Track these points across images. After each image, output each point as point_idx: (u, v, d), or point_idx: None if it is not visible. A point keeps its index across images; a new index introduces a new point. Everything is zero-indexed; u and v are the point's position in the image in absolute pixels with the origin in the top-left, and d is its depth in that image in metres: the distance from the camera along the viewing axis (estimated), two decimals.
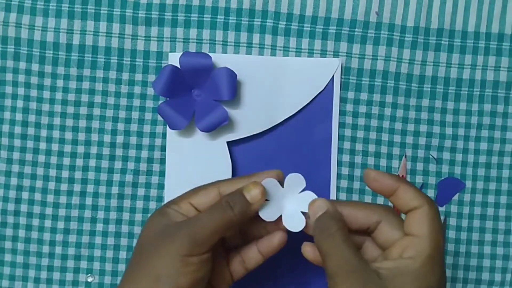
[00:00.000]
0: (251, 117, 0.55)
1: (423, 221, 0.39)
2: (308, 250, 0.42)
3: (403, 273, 0.37)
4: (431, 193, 0.56)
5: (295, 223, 0.43)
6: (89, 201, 0.56)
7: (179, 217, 0.42)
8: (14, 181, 0.56)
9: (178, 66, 0.53)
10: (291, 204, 0.44)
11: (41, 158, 0.56)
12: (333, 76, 0.55)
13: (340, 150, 0.56)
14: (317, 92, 0.56)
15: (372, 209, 0.41)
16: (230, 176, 0.55)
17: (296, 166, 0.56)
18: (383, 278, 0.37)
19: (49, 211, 0.56)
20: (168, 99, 0.54)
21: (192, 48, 0.55)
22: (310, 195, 0.44)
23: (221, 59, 0.55)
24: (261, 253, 0.45)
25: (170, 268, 0.39)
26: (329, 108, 0.56)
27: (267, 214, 0.43)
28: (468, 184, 0.56)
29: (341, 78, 0.56)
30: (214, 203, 0.42)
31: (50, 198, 0.56)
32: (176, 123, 0.54)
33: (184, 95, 0.54)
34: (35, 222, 0.56)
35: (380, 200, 0.56)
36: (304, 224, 0.43)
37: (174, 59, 0.55)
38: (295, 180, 0.44)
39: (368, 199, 0.56)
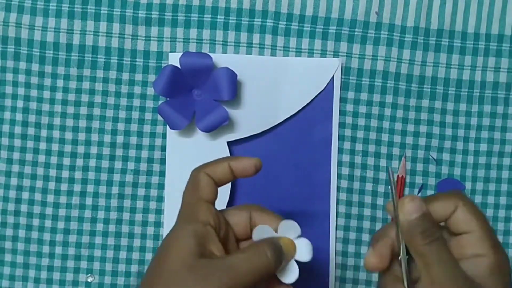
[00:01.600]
0: (251, 117, 0.55)
1: (469, 218, 0.38)
2: (374, 261, 0.39)
3: (488, 274, 0.37)
4: (430, 193, 0.56)
5: (289, 275, 0.40)
6: (89, 201, 0.56)
7: (213, 238, 0.39)
8: (14, 181, 0.56)
9: (179, 66, 0.53)
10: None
11: (41, 158, 0.56)
12: (333, 76, 0.56)
13: (340, 150, 0.56)
14: (317, 92, 0.56)
15: (447, 199, 0.39)
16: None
17: (296, 166, 0.56)
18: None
19: (49, 211, 0.56)
20: (168, 99, 0.54)
21: (192, 48, 0.55)
22: (307, 243, 0.41)
23: (221, 59, 0.55)
24: None
25: None
26: (329, 108, 0.56)
27: (287, 277, 0.41)
28: (468, 185, 0.56)
29: (341, 78, 0.56)
30: (256, 248, 0.39)
31: (50, 198, 0.56)
32: (177, 123, 0.54)
33: (184, 95, 0.54)
34: (35, 222, 0.56)
35: (380, 200, 0.56)
36: (297, 276, 0.40)
37: (174, 59, 0.55)
38: (290, 226, 0.41)
39: (368, 199, 0.56)
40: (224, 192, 0.55)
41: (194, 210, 0.40)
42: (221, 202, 0.55)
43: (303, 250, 0.41)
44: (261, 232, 0.40)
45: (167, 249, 0.38)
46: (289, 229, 0.41)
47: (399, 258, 0.38)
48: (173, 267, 0.37)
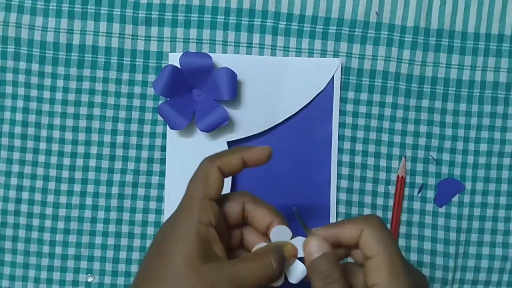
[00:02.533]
0: (251, 117, 0.55)
1: (372, 243, 0.38)
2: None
3: None
4: (430, 193, 0.57)
5: (297, 275, 0.41)
6: (89, 201, 0.56)
7: (215, 240, 0.39)
8: (14, 181, 0.56)
9: (178, 66, 0.53)
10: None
11: (41, 158, 0.56)
12: (333, 76, 0.56)
13: (340, 150, 0.56)
14: (317, 92, 0.56)
15: (354, 223, 0.40)
16: (230, 178, 0.55)
17: (296, 166, 0.56)
18: None
19: (49, 211, 0.56)
20: (168, 99, 0.54)
21: (192, 48, 0.55)
22: (299, 266, 0.41)
23: (221, 59, 0.55)
24: None
25: None
26: (329, 108, 0.56)
27: (292, 276, 0.41)
28: (468, 185, 0.56)
29: (341, 78, 0.56)
30: (260, 258, 0.39)
31: (50, 198, 0.56)
32: (177, 123, 0.54)
33: (184, 95, 0.54)
34: (35, 222, 0.56)
35: (380, 200, 0.56)
36: (305, 274, 0.41)
37: (174, 59, 0.55)
38: (282, 232, 0.42)
39: (368, 199, 0.56)
40: (224, 191, 0.55)
41: (199, 207, 0.39)
42: None
43: (295, 271, 0.42)
44: (279, 233, 0.41)
45: (169, 247, 0.38)
46: (281, 234, 0.42)
47: None
48: (178, 270, 0.37)
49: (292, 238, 0.42)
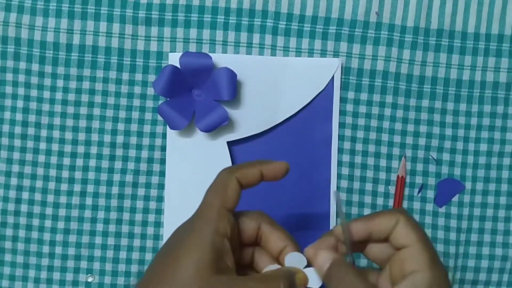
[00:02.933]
0: (251, 117, 0.55)
1: (408, 232, 0.39)
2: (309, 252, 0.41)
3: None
4: (430, 193, 0.57)
5: None
6: (89, 201, 0.56)
7: (228, 252, 0.39)
8: (14, 181, 0.56)
9: (178, 66, 0.53)
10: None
11: (41, 158, 0.56)
12: (333, 76, 0.56)
13: (340, 150, 0.56)
14: (317, 92, 0.56)
15: (389, 214, 0.40)
16: None
17: (296, 166, 0.56)
18: None
19: (49, 211, 0.56)
20: (168, 99, 0.54)
21: (192, 48, 0.55)
22: (314, 272, 0.42)
23: (221, 59, 0.55)
24: None
25: None
26: (329, 108, 0.56)
27: None
28: (468, 185, 0.56)
29: (341, 78, 0.56)
30: (271, 280, 0.39)
31: (50, 198, 0.56)
32: (176, 123, 0.54)
33: (184, 95, 0.54)
34: (35, 222, 0.56)
35: (380, 200, 0.56)
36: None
37: (174, 59, 0.55)
38: (296, 258, 0.42)
39: (368, 199, 0.56)
40: None
41: (216, 216, 0.39)
42: None
43: (314, 278, 0.41)
44: (293, 260, 0.41)
45: (182, 253, 0.37)
46: (295, 261, 0.41)
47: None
48: (187, 276, 0.36)
49: (306, 267, 0.41)
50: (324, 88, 0.56)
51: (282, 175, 0.43)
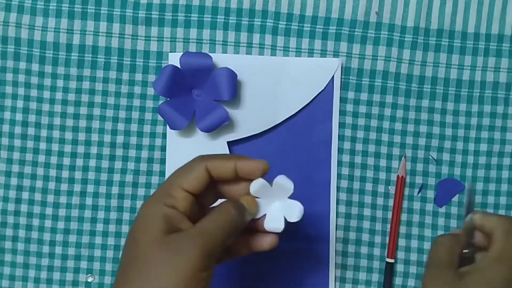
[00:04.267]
0: (251, 117, 0.55)
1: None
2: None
3: (476, 271, 0.42)
4: (430, 193, 0.57)
5: (275, 225, 0.43)
6: (89, 201, 0.56)
7: (181, 220, 0.39)
8: (14, 181, 0.56)
9: (179, 66, 0.53)
10: (276, 207, 0.43)
11: (41, 158, 0.56)
12: (333, 76, 0.55)
13: (340, 150, 0.56)
14: (317, 92, 0.56)
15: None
16: None
17: (296, 166, 0.56)
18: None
19: (49, 211, 0.56)
20: (168, 99, 0.54)
21: (192, 48, 0.55)
22: (297, 205, 0.43)
23: (221, 59, 0.55)
24: (249, 249, 0.44)
25: (181, 284, 0.36)
26: (329, 108, 0.56)
27: (269, 224, 0.43)
28: (468, 185, 0.56)
29: (341, 78, 0.56)
30: (218, 209, 0.40)
31: (50, 198, 0.56)
32: (177, 123, 0.54)
33: (184, 95, 0.54)
34: (35, 222, 0.56)
35: (380, 200, 0.56)
36: (282, 228, 0.42)
37: (174, 59, 0.55)
38: (284, 182, 0.43)
39: (368, 199, 0.56)
40: None
41: (172, 195, 0.40)
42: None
43: (293, 211, 0.43)
44: (258, 186, 0.42)
45: (138, 229, 0.39)
46: (282, 187, 0.43)
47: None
48: (143, 248, 0.37)
49: (292, 195, 0.43)
50: (324, 88, 0.56)
51: (258, 174, 0.42)
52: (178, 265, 0.36)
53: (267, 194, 0.43)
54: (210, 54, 0.54)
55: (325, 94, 0.56)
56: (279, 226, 0.43)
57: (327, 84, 0.56)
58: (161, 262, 0.37)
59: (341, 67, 0.56)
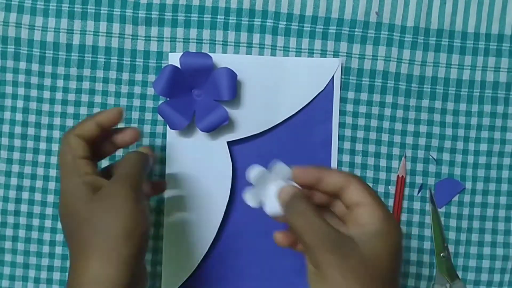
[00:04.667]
0: (251, 117, 0.55)
1: (361, 191, 0.41)
2: (279, 237, 0.45)
3: (371, 236, 0.40)
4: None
5: (275, 210, 0.44)
6: None
7: (98, 180, 0.44)
8: (14, 181, 0.56)
9: (179, 66, 0.53)
10: (273, 192, 0.44)
11: (41, 158, 0.56)
12: (333, 76, 0.55)
13: (340, 150, 0.56)
14: (317, 92, 0.56)
15: (344, 174, 0.43)
16: (230, 176, 0.55)
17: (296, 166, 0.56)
18: (357, 243, 0.39)
19: (49, 211, 0.56)
20: (168, 99, 0.54)
21: (192, 48, 0.55)
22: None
23: (221, 59, 0.55)
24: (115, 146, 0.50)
25: (132, 220, 0.42)
26: (329, 108, 0.56)
27: (250, 199, 0.45)
28: (468, 185, 0.56)
29: (341, 78, 0.56)
30: (125, 158, 0.47)
31: (50, 198, 0.56)
32: (177, 123, 0.54)
33: (184, 95, 0.54)
34: (35, 222, 0.56)
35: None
36: (279, 210, 0.44)
37: (174, 59, 0.55)
38: (282, 167, 0.44)
39: None
40: (225, 190, 0.55)
41: (74, 167, 0.45)
42: (222, 198, 0.55)
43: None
44: (256, 173, 0.44)
45: (68, 204, 0.44)
46: (281, 171, 0.44)
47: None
48: (81, 212, 0.42)
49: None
50: (324, 88, 0.56)
51: (118, 119, 0.48)
52: (117, 206, 0.42)
53: (264, 181, 0.44)
54: (210, 54, 0.54)
55: (325, 94, 0.56)
56: (279, 210, 0.44)
57: (327, 84, 0.56)
58: (100, 213, 0.42)
59: (341, 67, 0.56)
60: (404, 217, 0.57)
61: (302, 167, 0.43)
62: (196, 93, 0.55)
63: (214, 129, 0.54)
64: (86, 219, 0.42)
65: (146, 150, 0.49)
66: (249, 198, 0.44)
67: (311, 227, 0.40)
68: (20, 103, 0.56)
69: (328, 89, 0.56)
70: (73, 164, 0.45)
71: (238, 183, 0.56)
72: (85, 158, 0.46)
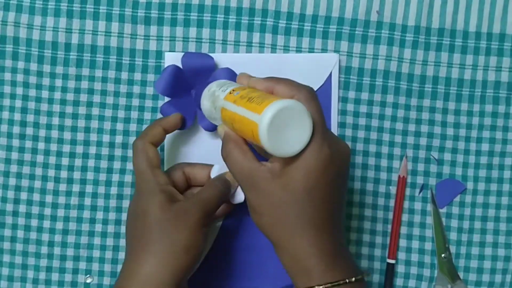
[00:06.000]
0: None
1: (306, 103, 0.43)
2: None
3: (292, 167, 0.42)
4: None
5: (240, 198, 0.51)
6: (88, 201, 0.56)
7: (175, 192, 0.48)
8: (12, 181, 0.56)
9: (178, 66, 0.53)
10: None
11: (40, 158, 0.56)
12: (331, 73, 0.55)
13: None
14: (316, 88, 0.55)
15: (290, 87, 0.44)
16: None
17: None
18: (277, 175, 0.42)
19: (47, 211, 0.56)
20: (169, 99, 0.54)
21: (192, 47, 0.55)
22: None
23: (220, 58, 0.55)
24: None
25: (195, 239, 0.45)
26: (328, 107, 0.55)
27: (235, 199, 0.51)
28: (470, 185, 0.56)
29: (339, 74, 0.55)
30: (211, 183, 0.49)
31: (49, 198, 0.56)
32: None
33: (186, 95, 0.54)
34: (34, 222, 0.56)
35: (381, 200, 0.56)
36: (243, 199, 0.50)
37: (171, 58, 0.54)
38: (218, 170, 0.51)
39: (369, 199, 0.56)
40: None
41: (153, 177, 0.47)
42: None
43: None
44: (215, 170, 0.51)
45: (143, 209, 0.46)
46: (220, 171, 0.51)
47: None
48: (153, 216, 0.45)
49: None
50: (323, 84, 0.55)
51: (179, 124, 0.52)
52: (186, 223, 0.45)
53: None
54: (209, 53, 0.54)
55: (324, 91, 0.55)
56: (242, 197, 0.51)
57: (325, 82, 0.55)
58: (170, 224, 0.45)
59: (339, 63, 0.55)
60: (405, 217, 0.56)
61: (255, 78, 0.46)
62: (198, 93, 0.54)
63: (215, 129, 0.54)
64: (156, 225, 0.45)
65: (230, 177, 0.50)
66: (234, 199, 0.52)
67: (235, 168, 0.44)
68: (18, 103, 0.55)
69: (327, 86, 0.55)
70: (152, 173, 0.48)
71: None
72: (159, 168, 0.49)
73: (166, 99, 0.54)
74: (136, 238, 0.46)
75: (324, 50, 0.55)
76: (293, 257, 0.43)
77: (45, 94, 0.55)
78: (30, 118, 0.55)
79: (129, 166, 0.56)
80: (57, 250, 0.56)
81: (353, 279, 0.43)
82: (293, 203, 0.42)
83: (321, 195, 0.42)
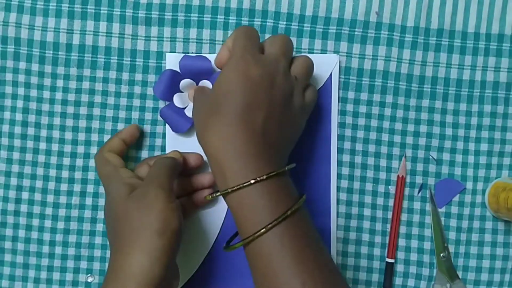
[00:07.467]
0: None
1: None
2: None
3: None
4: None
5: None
6: (89, 201, 0.56)
7: (136, 181, 0.49)
8: (14, 181, 0.56)
9: (177, 67, 0.54)
10: None
11: (41, 158, 0.56)
12: (331, 74, 0.55)
13: (340, 150, 0.56)
14: (317, 88, 0.55)
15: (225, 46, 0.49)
16: None
17: (296, 166, 0.56)
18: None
19: (49, 211, 0.56)
20: (169, 102, 0.54)
21: (192, 48, 0.55)
22: None
23: None
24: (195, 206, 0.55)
25: (164, 218, 0.45)
26: (328, 107, 0.56)
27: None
28: (469, 185, 0.56)
29: (339, 75, 0.56)
30: (154, 162, 0.50)
31: (50, 198, 0.56)
32: (179, 126, 0.54)
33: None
34: (35, 222, 0.56)
35: (380, 200, 0.56)
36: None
37: (172, 60, 0.55)
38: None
39: (368, 199, 0.56)
40: None
41: (116, 173, 0.50)
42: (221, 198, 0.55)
43: None
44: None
45: (110, 202, 0.48)
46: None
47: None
48: (118, 209, 0.46)
49: None
50: (323, 85, 0.56)
51: (137, 135, 0.54)
52: (149, 205, 0.45)
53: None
54: (210, 54, 0.54)
55: (324, 91, 0.56)
56: None
57: (326, 82, 0.55)
58: (135, 211, 0.45)
59: (339, 64, 0.56)
60: (404, 217, 0.57)
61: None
62: None
63: None
64: (123, 216, 0.46)
65: (176, 155, 0.53)
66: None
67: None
68: (20, 103, 0.56)
69: (327, 86, 0.56)
70: (115, 172, 0.50)
71: None
72: (123, 168, 0.51)
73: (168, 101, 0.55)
74: (112, 235, 0.47)
75: (323, 50, 0.55)
76: (214, 160, 0.44)
77: (46, 94, 0.56)
78: (32, 118, 0.56)
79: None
80: (58, 250, 0.56)
81: (265, 176, 0.42)
82: (215, 104, 0.45)
83: (238, 100, 0.44)
